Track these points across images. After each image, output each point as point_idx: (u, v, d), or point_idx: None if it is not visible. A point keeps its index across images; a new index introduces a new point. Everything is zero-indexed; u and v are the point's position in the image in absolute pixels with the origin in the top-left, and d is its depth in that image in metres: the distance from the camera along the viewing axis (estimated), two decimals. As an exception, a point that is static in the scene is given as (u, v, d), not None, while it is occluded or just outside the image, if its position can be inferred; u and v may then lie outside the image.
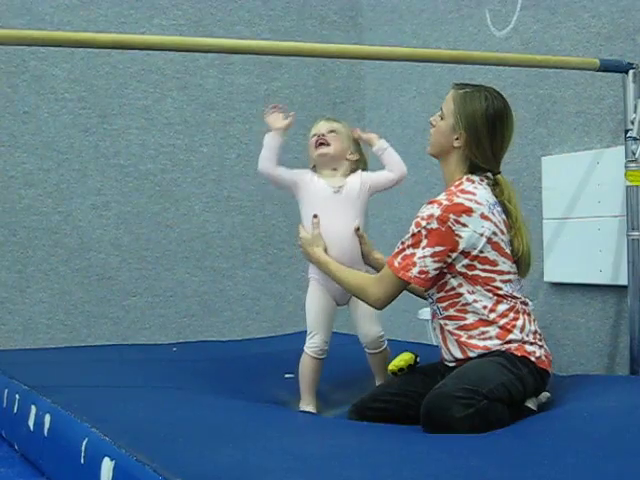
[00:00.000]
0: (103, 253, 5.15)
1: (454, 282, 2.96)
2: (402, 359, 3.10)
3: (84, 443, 2.43)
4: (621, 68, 3.61)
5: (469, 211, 2.91)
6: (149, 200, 5.24)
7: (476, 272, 2.93)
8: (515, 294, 2.97)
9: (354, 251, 3.33)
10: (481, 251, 2.92)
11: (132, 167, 5.21)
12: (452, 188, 2.98)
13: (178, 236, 5.29)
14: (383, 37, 5.29)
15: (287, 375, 3.83)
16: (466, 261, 2.92)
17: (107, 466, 2.25)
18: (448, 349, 3.03)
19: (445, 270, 2.95)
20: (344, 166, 3.39)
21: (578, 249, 3.79)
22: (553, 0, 4.10)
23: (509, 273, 2.98)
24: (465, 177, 3.02)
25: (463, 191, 2.95)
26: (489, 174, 3.07)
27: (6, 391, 3.39)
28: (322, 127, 3.41)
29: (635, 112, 3.56)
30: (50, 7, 5.06)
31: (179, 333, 5.25)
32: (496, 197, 3.02)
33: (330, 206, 3.30)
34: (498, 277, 2.96)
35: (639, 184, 3.58)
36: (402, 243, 2.95)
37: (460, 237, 2.90)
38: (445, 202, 2.92)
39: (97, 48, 3.60)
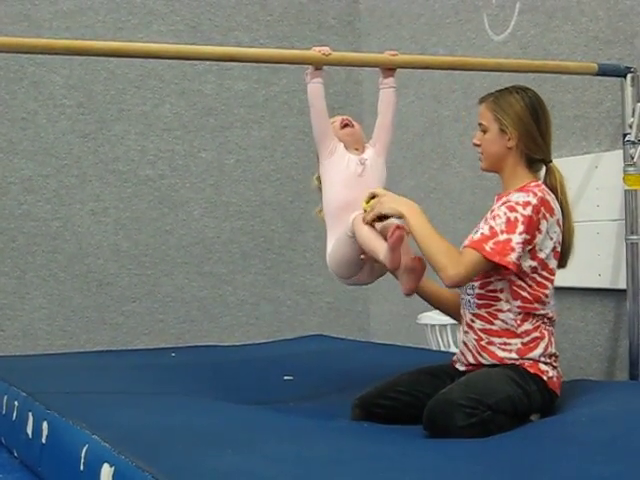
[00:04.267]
0: (102, 259, 5.16)
1: (498, 285, 2.95)
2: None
3: (84, 449, 2.42)
4: (619, 72, 3.62)
5: (552, 212, 2.94)
6: (148, 206, 5.24)
7: (535, 275, 2.93)
8: (548, 310, 2.97)
9: None
10: (547, 256, 2.93)
11: (131, 173, 5.22)
12: (534, 186, 2.97)
13: (177, 241, 5.29)
14: (381, 42, 5.30)
15: (286, 377, 3.84)
16: (533, 263, 2.92)
17: (106, 472, 2.24)
18: (462, 350, 3.02)
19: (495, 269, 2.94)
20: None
21: (577, 253, 3.78)
22: (551, 4, 4.10)
23: (553, 282, 3.00)
24: (540, 181, 3.03)
25: (547, 192, 2.97)
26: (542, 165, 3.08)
27: (5, 397, 3.38)
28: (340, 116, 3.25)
29: (633, 116, 3.57)
30: (48, 13, 5.06)
31: (178, 338, 5.24)
32: (550, 187, 3.03)
33: (360, 180, 3.16)
34: (550, 286, 2.97)
35: (637, 188, 3.58)
36: (491, 229, 2.86)
37: (540, 232, 2.90)
38: (539, 193, 2.92)
39: (96, 56, 3.59)
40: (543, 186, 2.99)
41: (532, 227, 2.88)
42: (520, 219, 2.86)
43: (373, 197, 2.99)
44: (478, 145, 3.11)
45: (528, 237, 2.87)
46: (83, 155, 5.14)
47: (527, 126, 3.02)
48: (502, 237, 2.85)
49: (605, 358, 3.85)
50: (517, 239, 2.85)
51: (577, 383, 3.25)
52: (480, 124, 3.09)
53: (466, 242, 2.90)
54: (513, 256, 2.84)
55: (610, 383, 3.59)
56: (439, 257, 2.84)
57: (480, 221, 3.06)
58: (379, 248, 2.88)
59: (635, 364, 3.57)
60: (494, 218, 2.89)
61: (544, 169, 3.09)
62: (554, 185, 3.04)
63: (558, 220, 2.96)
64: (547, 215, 2.91)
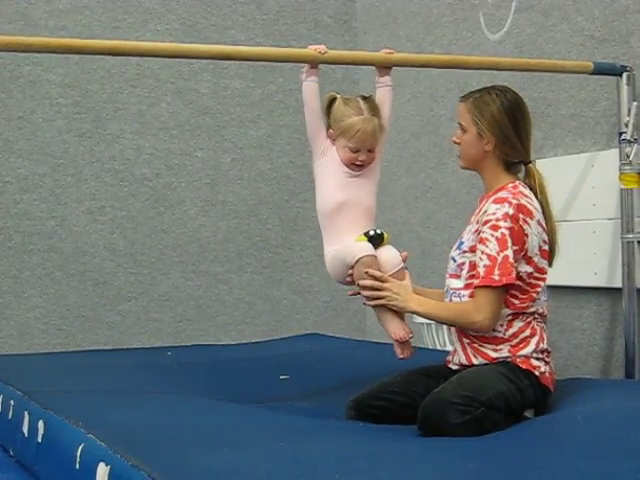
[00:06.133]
0: (98, 258, 5.15)
1: None
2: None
3: (79, 448, 2.42)
4: (615, 71, 3.62)
5: (531, 215, 2.93)
6: (144, 205, 5.24)
7: (531, 280, 2.94)
8: (538, 307, 2.98)
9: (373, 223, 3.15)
10: (535, 254, 2.94)
11: (127, 172, 5.21)
12: (510, 189, 2.98)
13: (173, 241, 5.29)
14: (377, 41, 5.30)
15: (282, 376, 3.84)
16: (529, 269, 2.93)
17: (102, 471, 2.24)
18: (456, 350, 3.03)
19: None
20: None
21: (573, 252, 3.79)
22: (547, 3, 4.11)
23: (545, 280, 3.01)
24: (517, 181, 3.02)
25: (523, 194, 2.96)
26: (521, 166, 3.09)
27: (1, 396, 3.38)
28: (368, 138, 3.06)
29: (629, 115, 3.57)
30: (44, 12, 5.06)
31: (174, 337, 5.24)
32: (530, 188, 3.03)
33: (353, 181, 3.09)
34: (542, 284, 2.98)
35: (633, 187, 3.58)
36: (489, 256, 2.87)
37: (527, 237, 2.91)
38: (514, 201, 2.92)
39: (92, 55, 3.59)
40: (520, 187, 2.99)
41: (518, 236, 2.89)
42: (506, 233, 2.88)
43: (367, 233, 3.03)
44: (458, 143, 3.11)
45: (516, 247, 2.89)
46: (79, 154, 5.13)
47: (504, 131, 3.01)
48: (500, 258, 2.87)
49: (601, 357, 3.86)
50: (511, 253, 2.87)
51: (573, 381, 3.26)
52: (459, 123, 3.10)
53: (475, 281, 2.92)
54: (514, 272, 2.88)
55: (606, 381, 3.59)
56: (459, 319, 2.96)
57: (468, 223, 3.06)
58: (382, 313, 3.02)
59: (631, 362, 3.57)
60: (485, 244, 2.90)
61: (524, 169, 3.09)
62: (533, 186, 3.04)
63: (538, 220, 2.96)
64: (527, 219, 2.92)
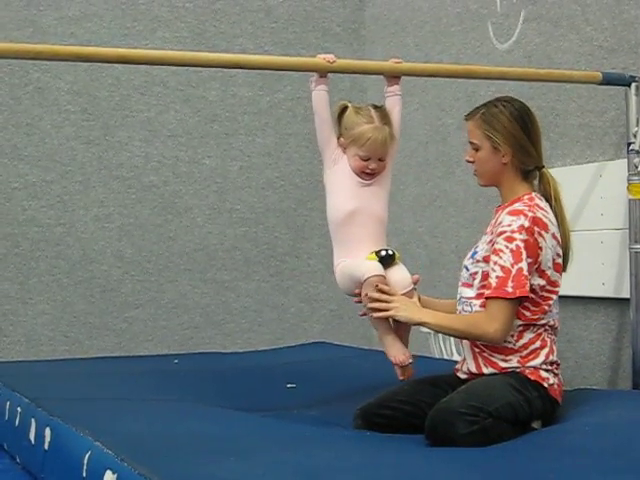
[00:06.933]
0: (106, 265, 5.16)
1: None
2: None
3: (86, 456, 2.42)
4: (624, 81, 3.62)
5: (546, 228, 2.93)
6: (152, 212, 5.24)
7: (543, 293, 2.94)
8: (550, 319, 2.97)
9: (384, 233, 3.18)
10: (549, 267, 2.94)
11: (135, 179, 5.22)
12: (526, 200, 2.97)
13: (180, 248, 5.29)
14: (386, 50, 5.30)
15: (289, 385, 3.83)
16: (542, 281, 2.93)
17: (109, 479, 2.24)
18: (465, 358, 3.03)
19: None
20: None
21: (581, 262, 3.78)
22: (556, 13, 4.10)
23: (558, 293, 3.00)
24: (534, 193, 3.02)
25: (538, 206, 2.96)
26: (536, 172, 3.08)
27: (8, 403, 3.39)
28: (379, 146, 3.07)
29: (637, 125, 3.57)
30: (53, 19, 5.07)
31: (181, 345, 5.24)
32: (545, 194, 3.03)
33: (365, 189, 3.10)
34: (555, 297, 2.98)
35: (641, 197, 3.58)
36: (503, 268, 2.87)
37: (541, 250, 2.91)
38: (529, 213, 2.91)
39: (100, 62, 3.59)
40: (536, 199, 2.99)
41: (532, 249, 2.89)
42: (521, 245, 2.87)
43: (378, 252, 3.03)
44: (471, 162, 3.10)
45: (531, 260, 2.89)
46: (87, 161, 5.14)
47: (519, 140, 3.01)
48: (514, 270, 2.86)
49: (608, 367, 3.85)
50: (525, 266, 2.87)
51: (580, 392, 3.25)
52: (471, 142, 3.08)
53: (487, 291, 2.91)
54: (528, 285, 2.87)
55: (613, 392, 3.58)
56: (471, 330, 2.93)
57: (484, 233, 3.06)
58: (385, 334, 3.02)
59: (638, 373, 3.56)
60: (499, 255, 2.89)
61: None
62: (548, 191, 3.04)
63: (553, 234, 2.95)
64: (542, 232, 2.92)
